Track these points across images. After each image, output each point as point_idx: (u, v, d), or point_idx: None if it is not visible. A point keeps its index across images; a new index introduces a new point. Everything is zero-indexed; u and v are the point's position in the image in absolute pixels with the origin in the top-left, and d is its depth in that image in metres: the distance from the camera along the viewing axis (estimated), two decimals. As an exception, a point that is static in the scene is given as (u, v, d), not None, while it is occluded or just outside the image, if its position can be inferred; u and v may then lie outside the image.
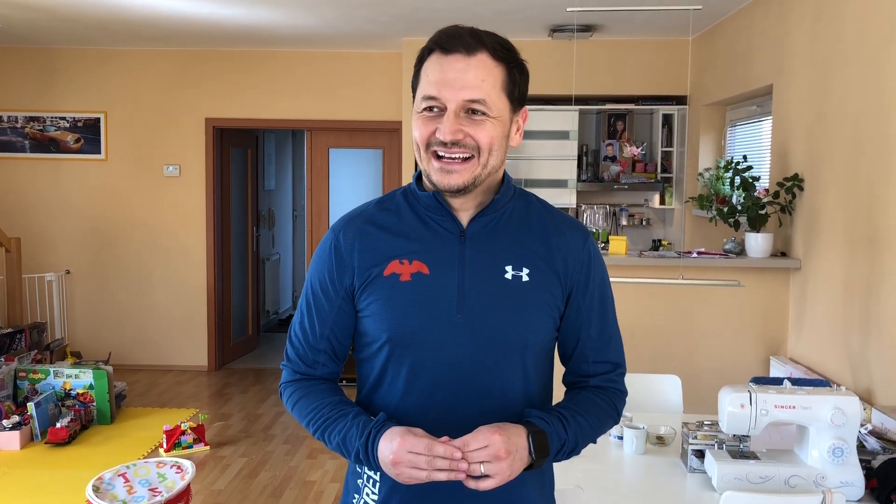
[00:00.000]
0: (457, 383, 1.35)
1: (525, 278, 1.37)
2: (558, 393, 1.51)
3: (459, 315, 1.34)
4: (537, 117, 6.15)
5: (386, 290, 1.36)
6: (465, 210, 1.39)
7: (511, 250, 1.38)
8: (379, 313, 1.37)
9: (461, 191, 1.33)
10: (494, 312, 1.35)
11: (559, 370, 1.52)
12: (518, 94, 1.36)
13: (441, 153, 1.32)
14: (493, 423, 1.30)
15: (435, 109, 1.32)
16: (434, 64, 1.33)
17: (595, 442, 1.45)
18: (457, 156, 1.31)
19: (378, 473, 1.39)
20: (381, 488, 1.40)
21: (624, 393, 1.49)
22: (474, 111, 1.30)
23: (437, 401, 1.36)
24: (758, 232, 4.16)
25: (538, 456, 1.29)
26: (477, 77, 1.30)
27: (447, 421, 1.34)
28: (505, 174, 1.43)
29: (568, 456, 1.37)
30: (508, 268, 1.37)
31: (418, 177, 1.44)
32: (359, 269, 1.39)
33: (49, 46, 6.69)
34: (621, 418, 1.51)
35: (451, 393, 1.35)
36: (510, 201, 1.42)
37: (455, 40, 1.31)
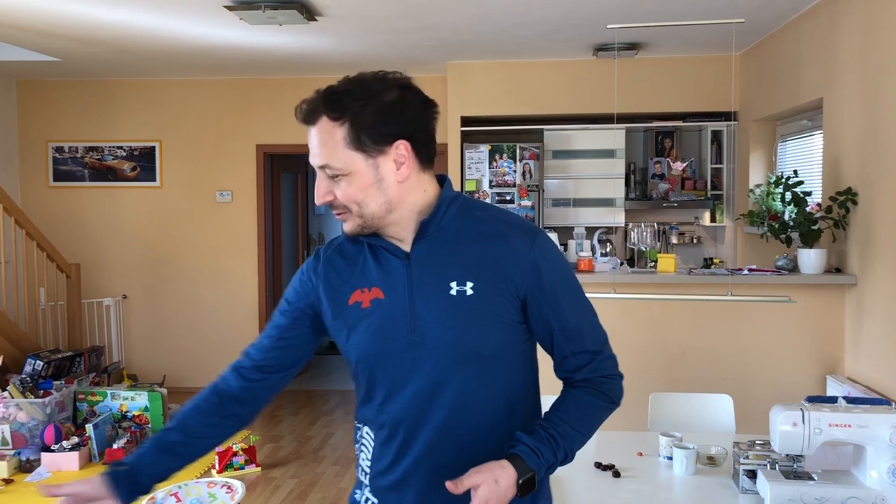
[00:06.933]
0: (423, 398, 1.43)
1: (469, 292, 1.42)
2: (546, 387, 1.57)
3: (413, 334, 1.43)
4: (583, 136, 6.14)
5: (351, 318, 1.47)
6: (404, 238, 1.47)
7: (455, 266, 1.43)
8: (349, 339, 1.48)
9: (358, 234, 1.46)
10: (443, 328, 1.42)
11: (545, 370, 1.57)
12: (373, 137, 1.37)
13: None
14: (468, 436, 1.42)
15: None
16: None
17: (591, 436, 1.50)
18: (338, 211, 1.43)
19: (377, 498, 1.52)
20: None
21: (613, 377, 1.52)
22: (330, 174, 1.39)
23: (410, 416, 1.45)
24: (811, 248, 4.07)
25: (526, 494, 1.37)
26: (320, 144, 1.38)
27: (420, 433, 1.44)
28: (442, 194, 1.46)
29: (558, 465, 1.44)
30: (453, 284, 1.42)
31: None
32: (325, 299, 1.51)
33: (107, 79, 6.93)
34: (620, 402, 1.53)
35: (420, 408, 1.44)
36: (453, 219, 1.46)
37: (299, 114, 1.41)
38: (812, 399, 2.19)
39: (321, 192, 1.42)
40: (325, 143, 1.38)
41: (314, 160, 1.40)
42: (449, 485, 1.34)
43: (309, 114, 1.39)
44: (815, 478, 2.17)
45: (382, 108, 1.37)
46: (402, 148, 1.39)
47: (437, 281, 1.43)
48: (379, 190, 1.40)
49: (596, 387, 1.49)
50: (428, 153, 1.45)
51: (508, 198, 6.10)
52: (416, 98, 1.43)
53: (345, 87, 1.39)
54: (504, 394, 1.46)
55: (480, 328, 1.42)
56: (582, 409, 1.47)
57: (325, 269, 1.53)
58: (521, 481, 1.35)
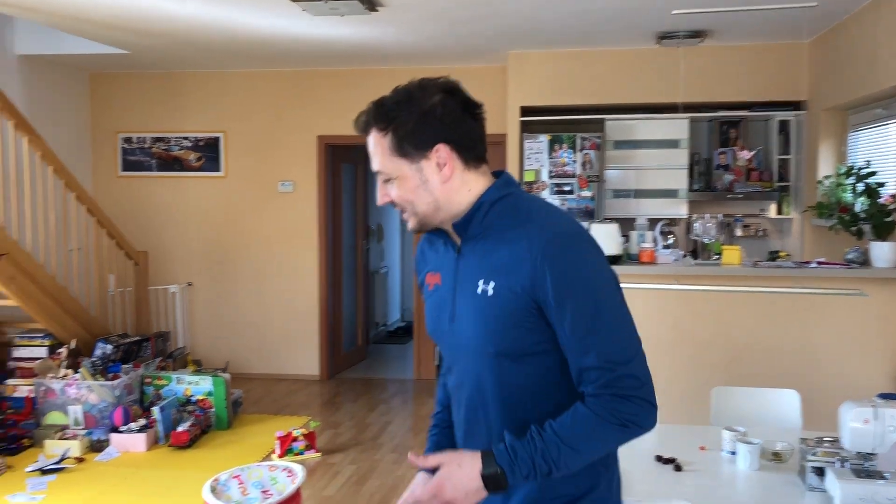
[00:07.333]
0: (460, 381, 1.59)
1: (490, 292, 1.47)
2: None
3: (451, 324, 1.56)
4: (646, 126, 6.04)
5: (425, 295, 1.67)
6: (455, 234, 1.57)
7: (485, 266, 1.49)
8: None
9: (420, 231, 1.58)
10: (467, 323, 1.51)
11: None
12: (414, 144, 1.46)
13: None
14: (491, 421, 1.52)
15: None
16: None
17: (592, 456, 1.44)
18: (400, 209, 1.55)
19: None
20: None
21: (629, 398, 1.39)
22: (384, 178, 1.52)
23: (457, 391, 1.61)
24: (884, 241, 3.93)
25: (494, 490, 1.41)
26: (373, 152, 1.51)
27: (469, 409, 1.58)
28: (482, 196, 1.51)
29: (546, 476, 1.41)
30: (480, 282, 1.49)
31: None
32: (419, 274, 1.72)
33: (173, 71, 7.10)
34: (638, 427, 1.40)
35: (462, 387, 1.59)
36: (498, 218, 1.50)
37: (356, 127, 1.54)
38: (885, 396, 2.12)
39: (380, 195, 1.55)
40: (375, 151, 1.50)
41: (372, 166, 1.53)
42: (411, 457, 1.50)
43: (364, 125, 1.51)
44: (888, 477, 2.10)
45: (421, 115, 1.46)
46: (442, 151, 1.47)
47: (471, 278, 1.51)
48: (426, 191, 1.50)
49: (603, 404, 1.39)
50: (473, 153, 1.51)
51: (567, 188, 6.05)
52: (457, 101, 1.49)
53: (391, 98, 1.50)
54: (520, 389, 1.49)
55: (495, 328, 1.46)
56: (579, 423, 1.40)
57: (419, 256, 1.71)
58: (484, 473, 1.40)
